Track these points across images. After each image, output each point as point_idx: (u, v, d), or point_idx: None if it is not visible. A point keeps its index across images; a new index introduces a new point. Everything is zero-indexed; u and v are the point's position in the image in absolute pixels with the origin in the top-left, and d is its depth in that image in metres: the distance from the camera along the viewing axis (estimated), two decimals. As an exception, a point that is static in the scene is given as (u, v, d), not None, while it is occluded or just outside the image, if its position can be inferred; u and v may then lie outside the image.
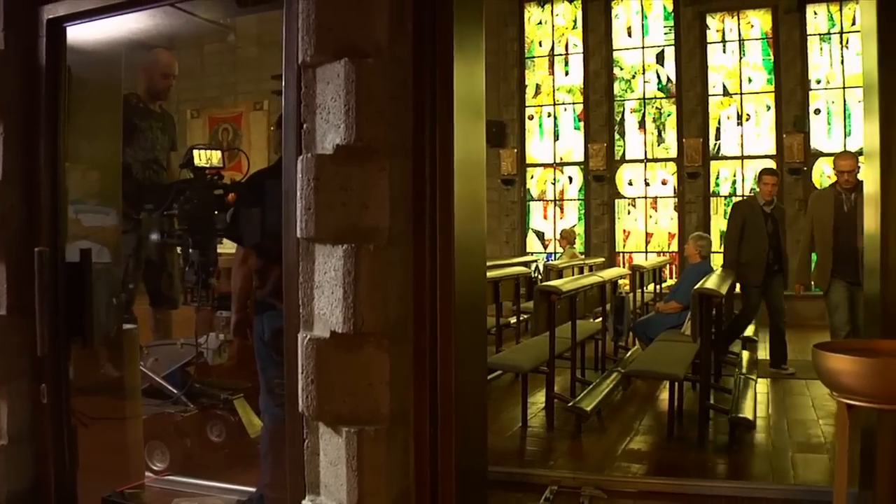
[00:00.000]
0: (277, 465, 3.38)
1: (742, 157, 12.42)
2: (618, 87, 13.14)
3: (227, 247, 4.05)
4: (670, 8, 12.72)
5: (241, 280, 3.53)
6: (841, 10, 11.70)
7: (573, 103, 13.43)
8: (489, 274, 7.06)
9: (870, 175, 2.54)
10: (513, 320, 8.91)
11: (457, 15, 2.32)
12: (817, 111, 11.88)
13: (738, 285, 7.30)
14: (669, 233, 12.93)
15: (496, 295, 7.81)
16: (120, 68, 3.46)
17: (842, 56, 11.73)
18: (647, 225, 13.06)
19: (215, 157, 3.87)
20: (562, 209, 13.60)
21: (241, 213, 3.69)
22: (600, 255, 12.57)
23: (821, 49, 11.89)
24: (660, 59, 12.87)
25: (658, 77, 12.89)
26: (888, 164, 2.42)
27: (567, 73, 13.49)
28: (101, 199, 3.48)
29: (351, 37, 2.18)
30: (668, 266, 12.28)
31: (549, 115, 13.57)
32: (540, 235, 13.74)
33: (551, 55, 13.54)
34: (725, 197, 12.52)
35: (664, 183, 12.91)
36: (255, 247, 3.49)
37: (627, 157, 13.08)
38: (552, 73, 13.56)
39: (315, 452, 2.28)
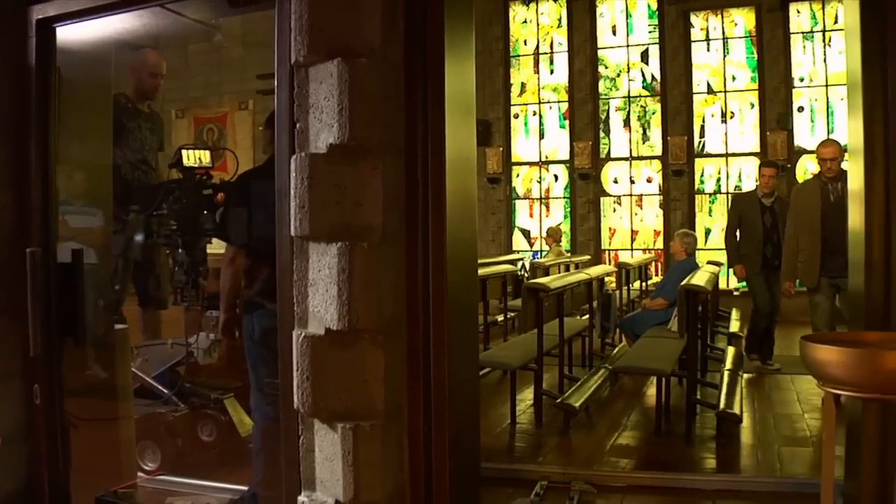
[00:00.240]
0: (269, 464, 3.39)
1: (726, 155, 12.52)
2: (603, 86, 13.20)
3: (216, 247, 4.06)
4: (654, 6, 12.79)
5: (231, 279, 3.55)
6: (823, 8, 11.81)
7: (558, 102, 13.48)
8: (477, 272, 7.07)
9: (854, 172, 2.58)
10: (500, 318, 8.95)
11: (447, 15, 2.34)
12: (800, 109, 11.99)
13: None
14: (655, 230, 13.01)
15: (483, 293, 7.83)
16: (110, 69, 3.46)
17: (824, 54, 11.84)
18: (633, 222, 13.14)
19: (204, 157, 3.88)
20: (547, 207, 13.65)
21: (231, 212, 3.70)
22: (586, 252, 12.64)
23: (804, 47, 12.00)
24: (644, 57, 12.94)
25: (643, 75, 12.97)
26: (872, 161, 2.46)
27: (552, 72, 13.54)
28: (87, 201, 3.48)
29: (344, 37, 2.20)
30: (653, 263, 12.37)
31: (535, 114, 13.62)
32: (526, 233, 13.79)
33: (536, 54, 13.59)
34: (710, 194, 12.61)
35: (649, 181, 12.99)
36: (245, 246, 3.51)
37: (613, 155, 13.15)
38: (537, 72, 13.61)
39: (310, 449, 2.30)
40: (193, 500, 3.62)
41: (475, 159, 2.69)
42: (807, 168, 11.58)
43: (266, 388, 3.47)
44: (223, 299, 3.60)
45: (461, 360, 2.48)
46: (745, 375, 6.72)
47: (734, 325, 8.70)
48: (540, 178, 13.64)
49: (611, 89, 13.19)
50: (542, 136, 13.57)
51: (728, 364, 6.41)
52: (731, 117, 12.48)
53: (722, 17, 12.47)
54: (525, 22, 13.63)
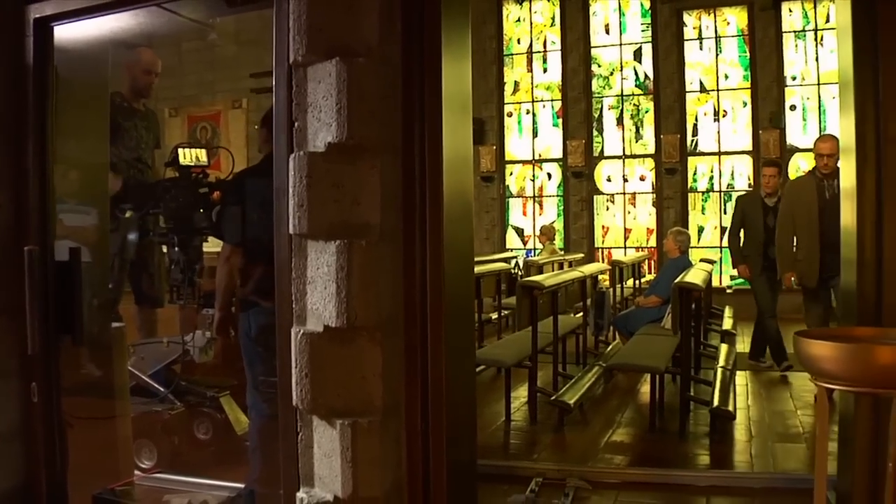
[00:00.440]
0: (266, 461, 3.41)
1: (719, 153, 12.57)
2: (596, 84, 13.24)
3: (212, 245, 4.07)
4: (647, 5, 12.83)
5: (227, 277, 3.56)
6: (815, 7, 11.87)
7: (551, 100, 13.52)
8: (471, 270, 7.09)
9: (846, 170, 2.61)
10: (494, 316, 8.97)
11: (444, 15, 2.36)
12: (793, 107, 12.05)
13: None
14: (648, 228, 13.05)
15: (477, 291, 7.84)
16: (107, 67, 3.46)
17: (816, 53, 11.89)
18: (626, 221, 13.18)
19: (201, 155, 3.89)
20: (541, 205, 13.69)
21: (227, 211, 3.71)
22: (579, 250, 12.67)
23: (796, 46, 12.06)
24: (637, 56, 12.98)
25: (636, 74, 13.01)
26: (863, 159, 2.49)
27: (545, 71, 13.58)
28: (81, 199, 3.48)
29: (342, 37, 2.21)
30: (646, 261, 12.41)
31: (528, 112, 13.65)
32: (519, 232, 13.83)
33: (529, 52, 13.62)
34: (703, 192, 12.66)
35: (642, 179, 13.03)
36: (241, 244, 3.52)
37: (606, 154, 13.19)
38: (530, 71, 13.65)
39: (309, 445, 2.32)
40: (190, 498, 3.63)
41: (471, 158, 2.71)
42: (799, 166, 11.64)
43: (262, 386, 3.48)
44: (219, 297, 3.61)
45: (458, 358, 2.50)
46: (739, 372, 6.76)
47: (727, 323, 8.75)
48: (533, 176, 13.67)
49: (604, 88, 13.22)
50: (535, 134, 13.60)
51: (721, 361, 6.45)
52: (724, 116, 12.53)
53: (714, 16, 12.52)
54: (518, 20, 13.66)
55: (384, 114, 2.26)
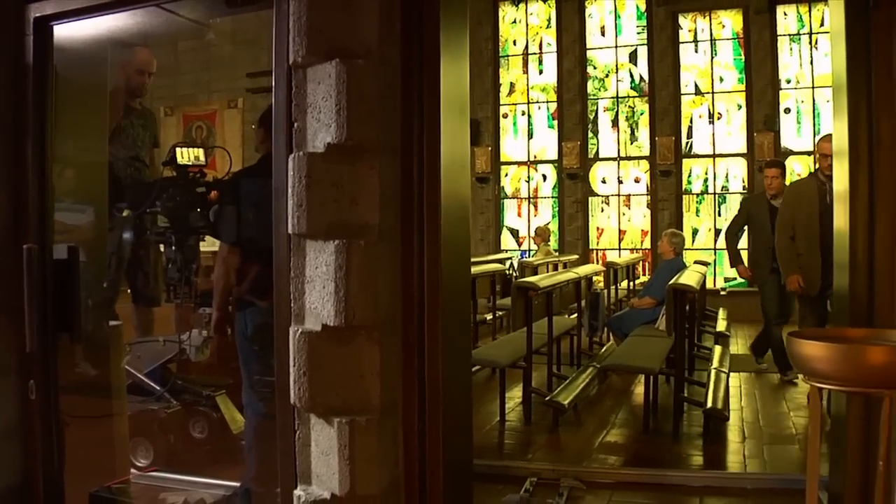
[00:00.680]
0: (262, 460, 3.42)
1: (714, 156, 12.61)
2: (591, 86, 13.28)
3: (209, 244, 4.08)
4: (643, 8, 12.87)
5: (224, 277, 3.57)
6: (810, 11, 11.92)
7: (547, 102, 13.55)
8: (466, 271, 7.11)
9: (839, 173, 2.63)
10: (489, 317, 8.99)
11: (443, 16, 2.38)
12: (787, 110, 12.10)
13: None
14: (642, 230, 13.09)
15: (472, 292, 7.86)
16: (106, 66, 3.48)
17: (811, 56, 11.95)
18: (621, 222, 13.21)
19: (198, 155, 3.90)
20: (536, 207, 13.71)
21: (225, 210, 3.73)
22: (574, 252, 12.71)
23: (790, 49, 12.11)
24: (633, 58, 13.02)
25: (631, 76, 13.05)
26: (856, 162, 2.52)
27: (541, 72, 13.61)
28: (80, 198, 3.49)
29: (341, 38, 2.23)
30: (641, 263, 12.45)
31: (524, 114, 13.68)
32: (514, 233, 13.85)
33: (525, 54, 13.65)
34: (697, 195, 12.70)
35: (637, 181, 13.07)
36: (238, 244, 3.53)
37: (601, 156, 13.23)
38: (526, 72, 13.67)
39: (307, 443, 2.33)
40: (186, 496, 3.64)
41: (469, 159, 2.73)
42: (793, 169, 11.68)
43: (258, 385, 3.50)
44: (216, 297, 3.62)
45: (455, 357, 2.52)
46: (732, 374, 6.79)
47: (721, 325, 8.78)
48: (528, 177, 13.70)
49: (599, 90, 13.26)
50: (530, 135, 13.62)
51: (715, 362, 6.48)
52: (719, 118, 12.57)
53: (710, 19, 12.57)
54: (514, 22, 13.69)
55: (383, 115, 2.28)
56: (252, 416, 3.59)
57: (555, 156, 13.43)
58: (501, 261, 10.69)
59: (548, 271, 9.40)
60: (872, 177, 2.45)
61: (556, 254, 12.11)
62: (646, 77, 12.90)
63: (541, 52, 13.57)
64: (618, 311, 8.77)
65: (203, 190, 3.92)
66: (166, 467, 3.93)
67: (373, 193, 2.24)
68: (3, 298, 2.94)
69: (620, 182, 13.11)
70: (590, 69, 13.24)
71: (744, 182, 12.39)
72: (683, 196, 12.74)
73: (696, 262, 9.58)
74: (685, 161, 12.72)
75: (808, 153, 11.33)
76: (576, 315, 7.69)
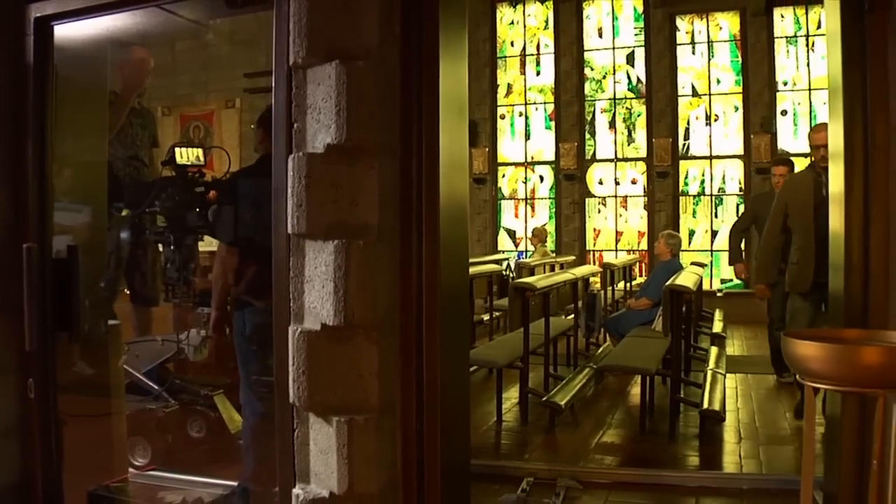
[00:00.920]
0: (260, 459, 3.44)
1: (710, 157, 12.64)
2: (588, 88, 13.30)
3: (207, 244, 4.09)
4: (641, 9, 12.90)
5: (222, 277, 3.58)
6: (807, 13, 11.96)
7: (544, 103, 13.57)
8: (464, 271, 7.12)
9: (835, 174, 2.65)
10: (486, 317, 9.00)
11: (442, 18, 2.40)
12: (784, 112, 12.13)
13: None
14: (639, 231, 13.11)
15: (469, 292, 7.87)
16: (105, 66, 3.48)
17: (808, 58, 11.98)
18: (618, 223, 13.23)
19: (198, 155, 3.91)
20: (533, 208, 13.73)
21: (224, 210, 3.74)
22: (571, 253, 12.73)
23: (787, 51, 12.14)
24: (630, 59, 13.05)
25: (628, 77, 13.07)
26: (851, 164, 2.54)
27: (538, 73, 13.63)
28: (79, 197, 3.50)
29: (342, 40, 2.25)
30: (637, 264, 12.47)
31: (521, 115, 13.70)
32: (511, 234, 13.87)
33: (523, 55, 13.67)
34: (694, 196, 12.73)
35: (634, 182, 13.10)
36: (237, 244, 3.55)
37: (598, 157, 13.25)
38: (524, 73, 13.70)
39: (305, 442, 2.35)
40: (184, 495, 3.65)
41: (467, 160, 2.75)
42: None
43: (256, 385, 3.51)
44: (215, 296, 3.64)
45: (453, 357, 2.53)
46: (728, 375, 6.81)
47: (718, 326, 8.80)
48: (525, 178, 13.72)
49: (596, 91, 13.29)
50: (527, 136, 13.65)
51: (711, 363, 6.50)
52: (716, 120, 12.60)
53: (707, 21, 12.60)
54: (512, 23, 13.72)
55: (382, 116, 2.29)
56: (250, 416, 3.60)
57: (552, 157, 13.45)
58: (498, 261, 10.70)
59: (545, 272, 9.42)
60: (867, 179, 2.47)
61: (553, 255, 12.13)
62: (643, 79, 12.93)
63: (538, 54, 13.60)
64: (614, 312, 8.79)
65: (202, 190, 3.93)
66: (164, 466, 3.94)
67: (372, 194, 2.26)
68: (3, 297, 2.94)
69: (617, 183, 13.14)
70: (587, 70, 13.27)
71: (740, 184, 12.43)
72: (680, 197, 12.77)
73: (692, 264, 9.60)
74: (682, 163, 12.75)
75: (805, 155, 11.32)
76: (572, 316, 7.71)
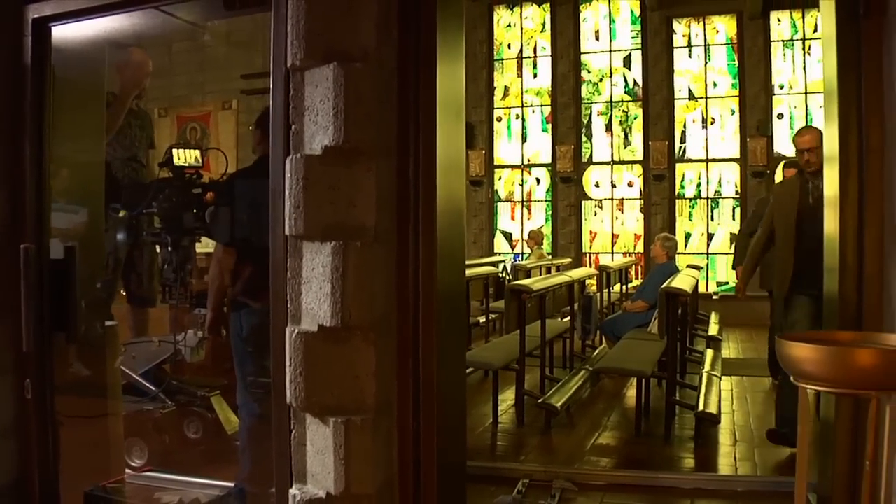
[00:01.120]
0: (256, 460, 3.44)
1: (707, 160, 12.66)
2: (585, 90, 13.32)
3: (205, 245, 4.10)
4: (637, 12, 12.93)
5: (219, 278, 3.59)
6: (804, 17, 11.99)
7: (541, 105, 13.58)
8: (460, 273, 7.13)
9: (830, 178, 2.67)
10: (482, 319, 9.01)
11: (439, 20, 2.41)
12: (780, 116, 12.16)
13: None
14: (635, 234, 13.12)
15: (466, 294, 7.88)
16: (103, 67, 3.49)
17: (804, 62, 12.01)
18: (614, 226, 13.25)
19: (194, 156, 3.92)
20: (529, 210, 13.74)
21: (221, 211, 3.75)
22: (567, 255, 12.73)
23: (784, 55, 12.17)
24: (627, 62, 13.07)
25: (625, 80, 13.09)
26: (846, 168, 2.55)
27: (535, 76, 13.65)
28: (76, 198, 3.50)
29: (339, 42, 2.26)
30: (633, 267, 12.48)
31: (518, 117, 13.71)
32: (507, 236, 13.88)
33: (520, 58, 13.69)
34: (690, 199, 12.75)
35: (630, 185, 13.11)
36: (234, 245, 3.55)
37: (594, 160, 13.26)
38: (521, 76, 13.71)
39: (302, 443, 2.35)
40: (180, 496, 3.65)
41: (464, 162, 2.76)
42: (784, 176, 11.71)
43: (252, 386, 3.52)
44: (211, 297, 3.64)
45: (449, 358, 2.54)
46: (724, 377, 6.82)
47: (713, 329, 8.83)
48: (522, 181, 13.73)
49: (593, 94, 13.30)
50: (524, 139, 13.66)
51: (707, 366, 6.51)
52: (712, 123, 12.63)
53: (704, 24, 12.63)
54: (509, 26, 13.73)
55: (380, 117, 2.30)
56: (246, 417, 3.60)
57: (548, 159, 13.47)
58: (495, 264, 10.72)
59: (541, 274, 9.43)
60: (862, 182, 2.48)
61: (550, 257, 12.14)
62: (640, 81, 12.95)
63: (535, 56, 13.62)
64: (610, 314, 8.81)
65: (199, 191, 3.94)
66: (161, 467, 3.94)
67: (369, 195, 2.27)
68: (0, 298, 2.95)
69: (614, 186, 13.15)
70: (584, 73, 13.29)
71: (736, 187, 12.45)
72: (676, 200, 12.79)
73: (688, 267, 9.62)
74: (678, 165, 12.77)
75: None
76: (569, 318, 7.72)
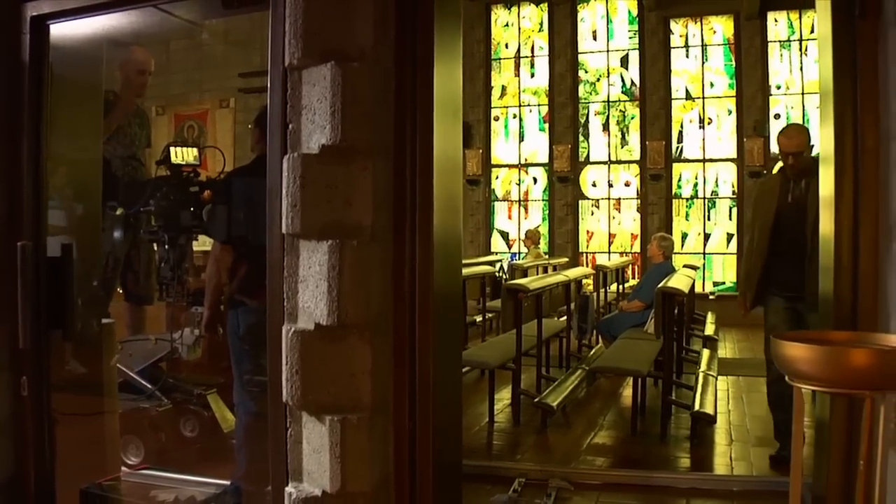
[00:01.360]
0: (252, 458, 3.44)
1: (704, 160, 12.68)
2: (582, 90, 13.33)
3: (202, 244, 4.10)
4: (635, 12, 12.94)
5: (216, 276, 3.59)
6: (800, 17, 12.01)
7: (538, 105, 13.59)
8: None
9: (825, 179, 2.67)
10: (478, 318, 9.02)
11: (437, 19, 2.41)
12: (777, 116, 12.17)
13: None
14: (632, 234, 13.14)
15: (462, 293, 7.89)
16: (101, 65, 3.49)
17: (801, 62, 12.03)
18: (611, 226, 13.26)
19: (192, 154, 3.92)
20: (526, 209, 13.75)
21: (218, 210, 3.75)
22: (564, 255, 12.74)
23: (781, 55, 12.19)
24: (624, 62, 13.08)
25: (622, 80, 13.11)
26: (841, 168, 2.55)
27: (533, 76, 13.65)
28: (67, 196, 3.50)
29: (337, 41, 2.26)
30: (630, 266, 12.50)
31: (515, 117, 13.72)
32: (504, 235, 13.88)
33: (517, 57, 13.69)
34: (687, 199, 12.76)
35: (627, 185, 13.12)
36: (231, 243, 3.55)
37: (591, 159, 13.27)
38: (518, 75, 13.72)
39: (298, 441, 2.36)
40: (176, 494, 3.65)
41: (461, 161, 2.77)
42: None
43: (249, 384, 3.52)
44: (208, 295, 3.64)
45: (445, 357, 2.55)
46: (720, 377, 6.83)
47: (709, 328, 8.84)
48: (519, 180, 13.74)
49: (590, 93, 13.31)
50: (521, 138, 13.67)
51: (703, 366, 6.52)
52: (709, 123, 12.64)
53: (701, 25, 12.64)
54: (507, 25, 13.74)
55: (377, 117, 2.31)
56: (243, 415, 3.61)
57: (545, 159, 13.47)
58: (491, 263, 10.72)
59: (538, 274, 9.44)
60: (857, 182, 2.49)
61: (546, 256, 12.15)
62: (637, 81, 12.96)
63: (532, 56, 13.62)
64: (607, 313, 8.82)
65: (196, 189, 3.94)
66: (157, 465, 3.94)
67: (366, 194, 2.27)
68: (-3, 295, 2.95)
69: (611, 186, 13.17)
70: (581, 73, 13.30)
71: (733, 187, 12.47)
72: (673, 200, 12.80)
73: (685, 266, 9.63)
74: (675, 165, 12.79)
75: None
76: (565, 318, 7.73)
